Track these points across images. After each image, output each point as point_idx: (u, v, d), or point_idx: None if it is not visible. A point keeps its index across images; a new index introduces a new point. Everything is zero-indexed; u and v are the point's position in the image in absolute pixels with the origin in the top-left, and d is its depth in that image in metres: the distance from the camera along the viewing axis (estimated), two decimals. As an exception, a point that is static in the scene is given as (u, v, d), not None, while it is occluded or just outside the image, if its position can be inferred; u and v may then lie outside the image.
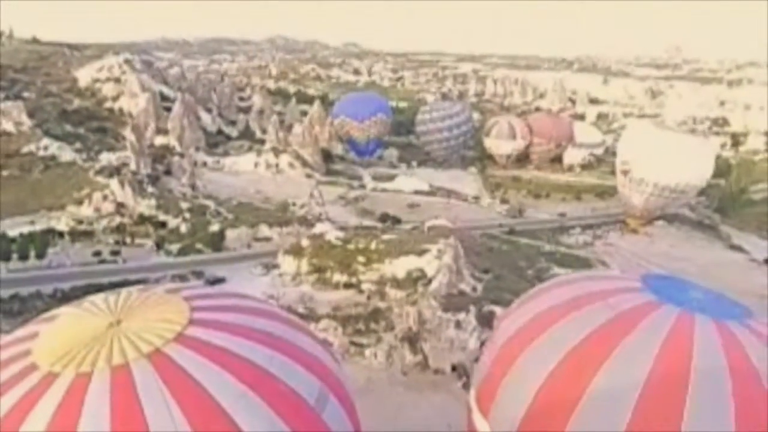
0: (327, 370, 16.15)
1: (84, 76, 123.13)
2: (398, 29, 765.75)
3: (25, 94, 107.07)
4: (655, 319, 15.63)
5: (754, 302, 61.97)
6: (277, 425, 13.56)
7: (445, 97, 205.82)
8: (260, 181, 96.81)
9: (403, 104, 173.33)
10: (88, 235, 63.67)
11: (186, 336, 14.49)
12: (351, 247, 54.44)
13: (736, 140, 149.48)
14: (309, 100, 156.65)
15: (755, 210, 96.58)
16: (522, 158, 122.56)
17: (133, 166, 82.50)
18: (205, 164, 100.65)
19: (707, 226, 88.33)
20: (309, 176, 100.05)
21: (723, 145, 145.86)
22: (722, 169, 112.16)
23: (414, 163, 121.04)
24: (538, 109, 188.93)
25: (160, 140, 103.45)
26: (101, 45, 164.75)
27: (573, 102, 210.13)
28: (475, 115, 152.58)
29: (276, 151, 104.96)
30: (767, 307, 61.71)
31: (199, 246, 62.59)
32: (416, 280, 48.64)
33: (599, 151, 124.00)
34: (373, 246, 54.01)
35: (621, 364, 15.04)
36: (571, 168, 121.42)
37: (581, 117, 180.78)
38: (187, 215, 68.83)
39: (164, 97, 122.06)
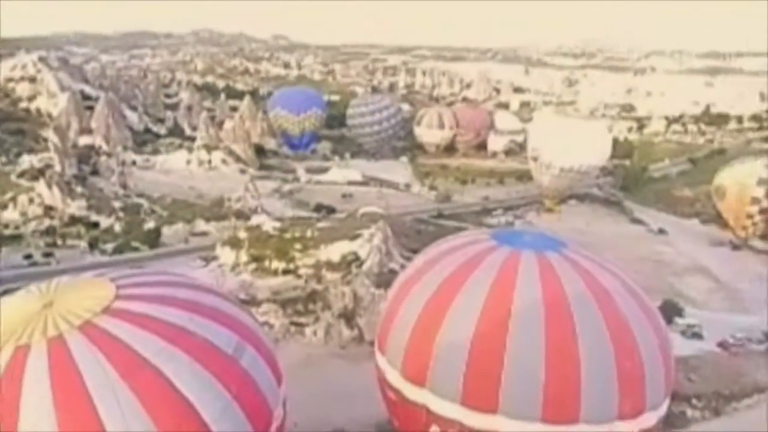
0: (244, 327, 19.37)
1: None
2: (327, 22, 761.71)
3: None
4: (491, 259, 21.03)
5: (651, 266, 71.19)
6: (197, 370, 16.69)
7: (375, 89, 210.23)
8: (193, 178, 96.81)
9: (334, 97, 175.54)
10: (16, 239, 62.44)
11: (113, 308, 17.29)
12: (287, 236, 57.07)
13: (641, 124, 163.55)
14: (238, 95, 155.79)
15: (654, 187, 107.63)
16: (450, 147, 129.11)
17: (57, 168, 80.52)
18: (134, 163, 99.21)
19: (613, 202, 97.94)
20: (243, 171, 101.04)
21: (630, 129, 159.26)
22: (627, 150, 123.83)
23: (347, 155, 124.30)
24: (465, 99, 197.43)
25: (84, 140, 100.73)
26: (8, 41, 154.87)
27: (497, 91, 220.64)
28: (406, 107, 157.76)
29: (208, 148, 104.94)
30: (661, 269, 71.12)
31: (135, 244, 62.99)
32: (350, 262, 52.19)
33: (520, 138, 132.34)
34: (308, 234, 56.93)
35: (465, 298, 20.40)
36: (495, 155, 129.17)
37: (506, 106, 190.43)
38: (121, 214, 68.81)
39: (85, 96, 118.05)
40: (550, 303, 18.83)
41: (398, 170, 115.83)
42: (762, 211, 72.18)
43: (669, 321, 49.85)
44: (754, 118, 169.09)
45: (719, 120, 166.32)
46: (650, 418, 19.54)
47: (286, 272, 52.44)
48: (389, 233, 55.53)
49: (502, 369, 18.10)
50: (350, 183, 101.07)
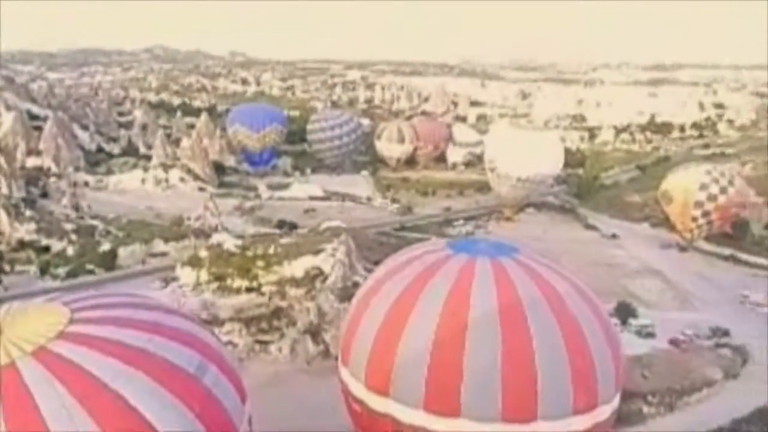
0: (206, 346, 19.09)
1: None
2: (285, 37, 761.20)
3: None
4: (448, 267, 22.04)
5: (604, 269, 73.97)
6: (158, 390, 16.34)
7: (335, 105, 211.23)
8: (150, 198, 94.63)
9: (294, 113, 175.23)
10: (-40, 266, 59.36)
11: (67, 333, 16.80)
12: (249, 253, 56.43)
13: (592, 134, 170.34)
14: (195, 112, 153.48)
15: (606, 194, 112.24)
16: (410, 160, 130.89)
17: (4, 190, 77.27)
18: (86, 184, 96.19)
19: (568, 209, 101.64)
20: (202, 189, 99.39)
21: (581, 139, 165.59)
22: (579, 159, 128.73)
23: (308, 171, 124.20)
24: (424, 113, 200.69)
25: (32, 161, 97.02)
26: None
27: (455, 105, 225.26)
28: (366, 121, 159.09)
29: (164, 167, 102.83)
30: (614, 272, 73.98)
31: (89, 267, 60.96)
32: (314, 277, 52.06)
33: (478, 150, 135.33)
34: (271, 250, 56.45)
35: (424, 306, 21.19)
36: (454, 166, 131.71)
37: (463, 119, 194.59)
38: (73, 237, 66.45)
39: (32, 116, 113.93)
40: (505, 307, 19.75)
41: (360, 184, 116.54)
42: (705, 214, 76.24)
43: (624, 322, 52.12)
44: (695, 126, 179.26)
45: (664, 129, 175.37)
46: (603, 412, 20.61)
47: (249, 290, 51.83)
48: (352, 247, 55.85)
49: (462, 373, 18.79)
50: (312, 198, 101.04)
